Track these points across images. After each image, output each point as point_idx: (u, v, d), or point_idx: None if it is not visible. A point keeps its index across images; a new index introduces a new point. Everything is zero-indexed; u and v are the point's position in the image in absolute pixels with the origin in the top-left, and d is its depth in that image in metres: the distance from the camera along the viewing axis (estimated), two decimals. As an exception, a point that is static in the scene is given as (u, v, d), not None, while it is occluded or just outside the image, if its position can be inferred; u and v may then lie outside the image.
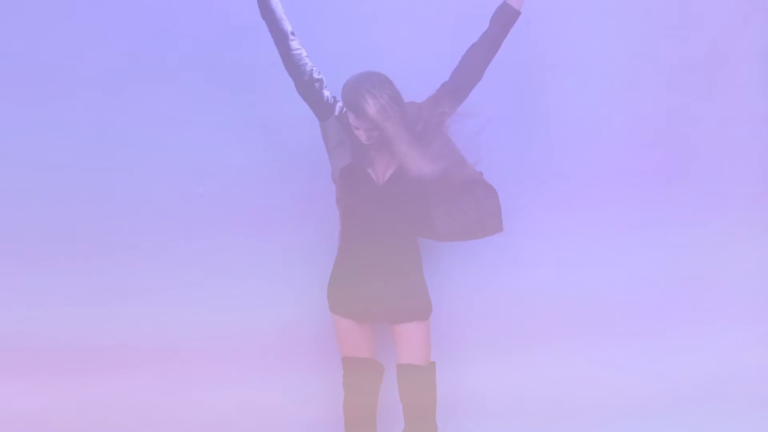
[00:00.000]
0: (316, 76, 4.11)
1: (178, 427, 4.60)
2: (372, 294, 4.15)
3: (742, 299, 4.83)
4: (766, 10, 4.77)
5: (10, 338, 4.58)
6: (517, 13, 4.07)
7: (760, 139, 4.82)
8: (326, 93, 4.13)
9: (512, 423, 4.69)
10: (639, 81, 4.73)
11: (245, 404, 4.63)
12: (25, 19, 4.56)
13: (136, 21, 4.57)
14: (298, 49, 4.09)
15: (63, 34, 4.56)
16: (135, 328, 4.61)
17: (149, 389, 4.61)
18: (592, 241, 4.74)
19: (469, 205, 4.12)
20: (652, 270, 4.77)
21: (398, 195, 4.07)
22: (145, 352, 4.60)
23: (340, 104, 4.13)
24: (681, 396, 4.75)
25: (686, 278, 4.79)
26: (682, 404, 4.74)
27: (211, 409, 4.62)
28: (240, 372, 4.63)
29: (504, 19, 4.07)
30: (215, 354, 4.62)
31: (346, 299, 4.19)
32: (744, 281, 4.83)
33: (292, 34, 4.09)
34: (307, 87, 4.11)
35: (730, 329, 4.80)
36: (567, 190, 4.72)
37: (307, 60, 4.10)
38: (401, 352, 4.21)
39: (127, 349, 4.61)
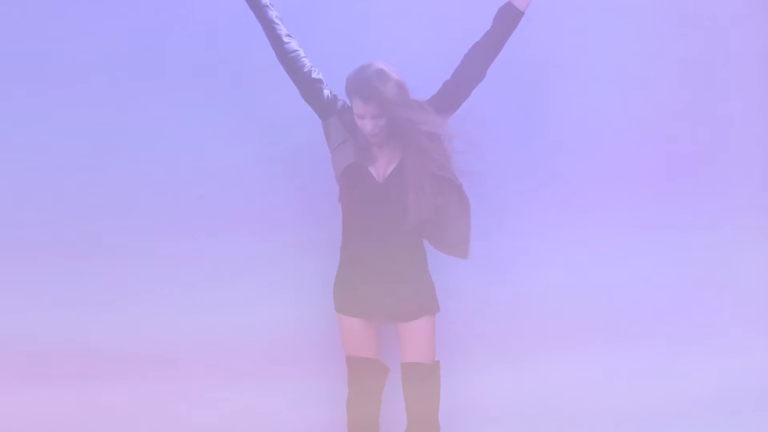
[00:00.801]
0: (315, 76, 4.10)
1: (178, 429, 4.60)
2: (379, 293, 4.14)
3: (750, 301, 4.83)
4: (766, 10, 4.77)
5: (10, 339, 4.57)
6: (521, 14, 4.06)
7: (761, 140, 4.83)
8: (326, 92, 4.13)
9: (515, 425, 4.68)
10: (641, 81, 4.73)
11: (245, 405, 4.63)
12: (26, 20, 4.56)
13: (137, 21, 4.57)
14: (295, 50, 4.09)
15: (63, 33, 4.56)
16: (134, 329, 4.60)
17: (148, 391, 4.60)
18: (595, 242, 4.73)
19: (442, 211, 4.10)
20: (657, 271, 4.77)
21: (398, 192, 4.07)
22: (144, 353, 4.59)
23: (341, 101, 4.13)
24: (688, 400, 4.73)
25: (692, 280, 4.78)
26: (690, 408, 4.72)
27: (211, 411, 4.61)
28: (239, 373, 4.62)
29: (507, 20, 4.06)
30: (215, 355, 4.61)
31: (352, 299, 4.18)
32: (752, 282, 4.83)
33: (288, 36, 4.09)
34: (307, 87, 4.11)
35: (738, 332, 4.79)
36: (570, 191, 4.72)
37: (306, 61, 4.10)
38: (406, 350, 4.20)
39: (125, 350, 4.60)
